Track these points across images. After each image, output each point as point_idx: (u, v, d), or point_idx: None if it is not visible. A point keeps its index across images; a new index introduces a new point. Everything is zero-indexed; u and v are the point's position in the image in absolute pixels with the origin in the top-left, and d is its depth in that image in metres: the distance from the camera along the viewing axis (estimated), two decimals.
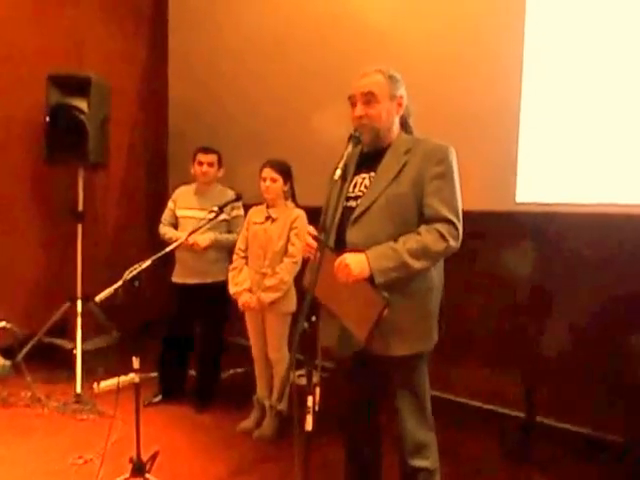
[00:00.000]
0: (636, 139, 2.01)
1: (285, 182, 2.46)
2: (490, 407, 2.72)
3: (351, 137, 1.52)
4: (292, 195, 2.52)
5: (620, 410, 2.24)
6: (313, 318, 1.29)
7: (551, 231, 2.33)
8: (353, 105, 1.57)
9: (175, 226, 2.82)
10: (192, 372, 2.93)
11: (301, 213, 2.45)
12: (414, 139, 1.60)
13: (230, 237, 2.71)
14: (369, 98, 1.54)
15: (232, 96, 3.38)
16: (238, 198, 2.58)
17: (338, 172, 1.43)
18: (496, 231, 2.49)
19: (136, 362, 1.95)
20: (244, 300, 2.43)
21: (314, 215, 1.95)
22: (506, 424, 2.53)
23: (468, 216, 1.59)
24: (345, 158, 1.46)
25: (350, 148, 1.50)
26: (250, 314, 2.50)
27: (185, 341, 2.87)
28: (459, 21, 2.42)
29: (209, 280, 2.72)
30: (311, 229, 1.55)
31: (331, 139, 2.65)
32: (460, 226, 1.50)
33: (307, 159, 2.77)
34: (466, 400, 2.79)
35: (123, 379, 2.22)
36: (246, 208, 2.67)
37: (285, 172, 2.47)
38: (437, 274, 1.58)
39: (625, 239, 2.21)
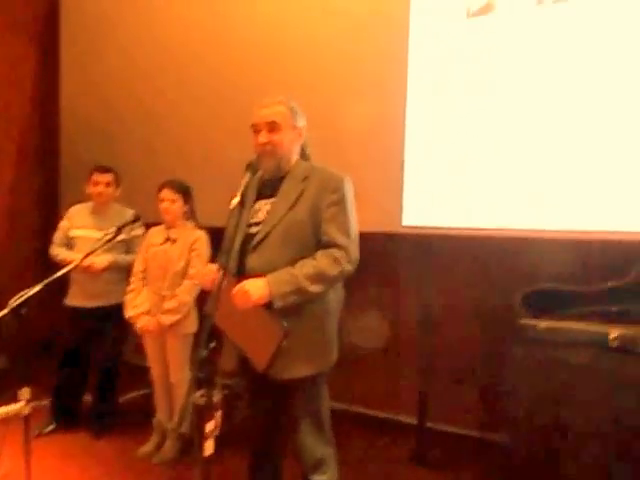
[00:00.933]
0: (515, 166, 2.22)
1: (185, 202, 2.47)
2: (386, 415, 2.90)
3: (249, 165, 1.61)
4: (192, 215, 2.53)
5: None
6: (212, 344, 1.34)
7: (435, 252, 2.53)
8: (256, 133, 1.65)
9: (69, 247, 2.71)
10: (88, 397, 2.81)
11: (202, 234, 2.47)
12: (311, 167, 1.71)
13: (129, 258, 2.65)
14: (273, 127, 1.64)
15: (130, 110, 3.33)
16: (136, 219, 2.54)
17: (235, 200, 1.51)
18: (382, 252, 2.67)
19: (26, 392, 1.85)
20: (143, 323, 2.40)
21: (216, 235, 1.99)
22: (401, 430, 2.72)
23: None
24: (243, 186, 1.54)
25: (248, 176, 1.58)
26: (149, 337, 2.46)
27: (80, 366, 2.75)
28: (344, 46, 2.57)
29: (107, 303, 2.64)
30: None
31: (233, 158, 2.74)
32: (356, 251, 1.62)
33: (209, 177, 2.81)
34: (363, 410, 2.95)
35: (11, 409, 2.10)
36: (146, 227, 2.64)
37: (184, 192, 2.48)
38: (335, 296, 1.69)
39: (498, 258, 2.47)
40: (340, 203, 1.62)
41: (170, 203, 2.44)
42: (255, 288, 1.51)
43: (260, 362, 1.52)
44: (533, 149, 2.18)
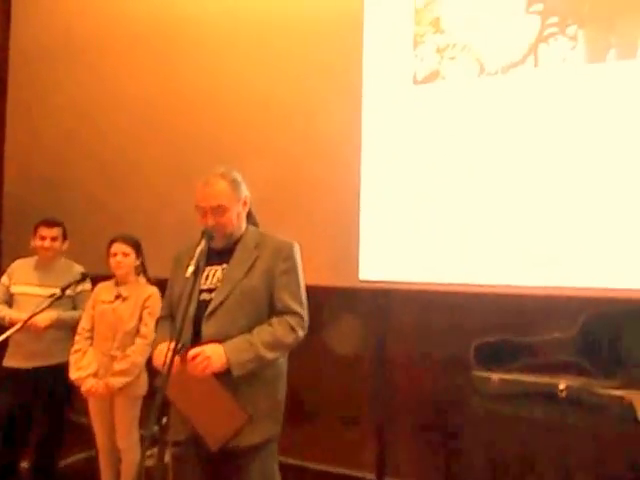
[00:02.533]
0: (464, 223, 2.31)
1: (137, 256, 2.42)
2: (345, 471, 2.84)
3: (204, 233, 1.60)
4: (144, 270, 2.48)
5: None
6: (164, 420, 1.29)
7: (391, 307, 2.57)
8: (203, 215, 1.64)
9: (9, 304, 2.56)
10: (25, 464, 2.62)
11: (154, 291, 2.40)
12: (261, 234, 1.74)
13: (75, 314, 2.52)
14: (219, 210, 1.63)
15: (79, 161, 3.26)
16: (84, 277, 2.47)
17: (190, 269, 1.49)
18: (339, 307, 2.69)
19: None
20: (89, 386, 2.26)
21: (165, 287, 1.96)
22: None
23: (313, 291, 1.74)
24: (198, 255, 1.54)
25: (203, 245, 1.57)
26: (95, 400, 2.34)
27: (18, 431, 2.55)
28: (301, 106, 2.64)
29: (49, 363, 2.49)
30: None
31: (183, 210, 2.72)
32: (306, 317, 1.66)
33: (159, 229, 2.78)
34: (323, 467, 2.88)
35: None
36: (94, 282, 2.55)
37: (136, 246, 2.42)
38: (284, 359, 1.71)
39: (454, 312, 2.48)
40: (292, 271, 1.67)
41: (123, 257, 2.37)
42: (216, 355, 1.50)
43: (214, 442, 1.48)
44: (480, 207, 2.28)
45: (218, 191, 1.64)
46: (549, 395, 2.10)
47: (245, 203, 1.71)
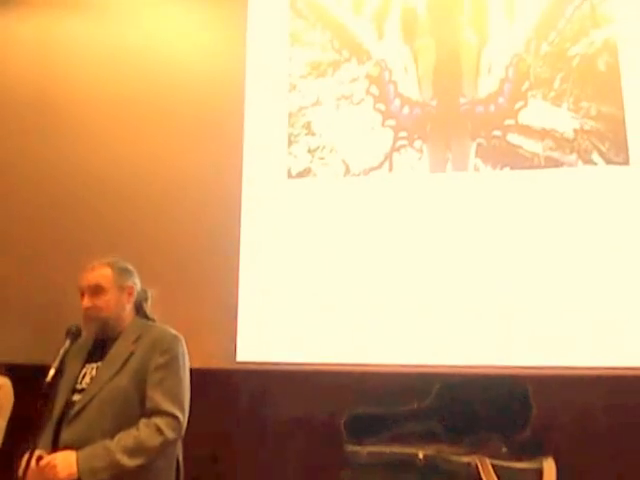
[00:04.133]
0: (337, 305, 2.48)
1: None
2: None
3: (68, 332, 1.57)
4: None
5: None
6: None
7: (269, 389, 2.62)
8: (82, 297, 1.65)
9: None
10: None
11: (5, 383, 2.15)
12: (146, 326, 1.70)
13: None
14: (96, 290, 1.63)
15: None
16: None
17: (51, 372, 1.46)
18: (216, 389, 2.70)
19: None
20: None
21: (17, 373, 1.84)
22: None
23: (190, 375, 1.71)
24: (60, 356, 1.51)
25: (67, 344, 1.55)
26: None
27: None
28: (183, 197, 2.74)
29: None
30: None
31: (34, 297, 2.61)
32: (183, 417, 1.57)
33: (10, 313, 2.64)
34: None
35: None
36: None
37: None
38: (165, 463, 1.60)
39: (330, 390, 2.59)
40: (169, 366, 1.59)
41: None
42: (64, 463, 1.42)
43: None
44: (345, 291, 2.50)
45: (99, 273, 1.65)
46: (410, 463, 2.29)
47: (130, 292, 1.69)
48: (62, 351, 1.51)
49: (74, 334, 1.57)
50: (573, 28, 2.57)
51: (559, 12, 2.59)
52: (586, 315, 2.32)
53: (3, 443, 2.04)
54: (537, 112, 2.52)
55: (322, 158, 2.64)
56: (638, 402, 2.28)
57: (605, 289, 2.33)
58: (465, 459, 2.25)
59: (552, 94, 2.52)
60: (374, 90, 2.65)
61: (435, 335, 2.41)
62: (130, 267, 1.74)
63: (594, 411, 2.33)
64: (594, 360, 2.28)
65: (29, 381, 1.74)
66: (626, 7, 2.55)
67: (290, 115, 2.69)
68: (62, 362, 1.50)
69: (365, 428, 2.46)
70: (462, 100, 2.58)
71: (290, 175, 2.65)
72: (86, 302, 1.62)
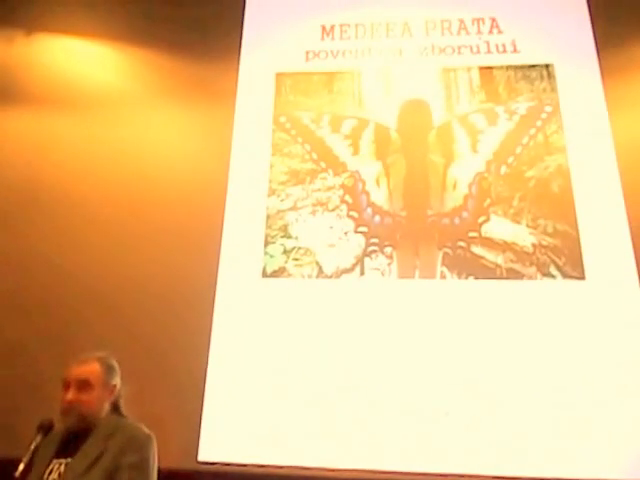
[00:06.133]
0: (312, 407, 2.47)
1: None
2: None
3: (40, 427, 1.57)
4: None
5: None
6: None
7: None
8: (66, 388, 1.65)
9: None
10: None
11: None
12: (118, 423, 1.71)
13: None
14: (84, 385, 1.65)
15: None
16: None
17: (21, 467, 1.46)
18: None
19: None
20: None
21: None
22: None
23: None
24: (31, 451, 1.50)
25: (38, 439, 1.54)
26: None
27: None
28: (158, 294, 2.78)
29: None
30: None
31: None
32: None
33: None
34: None
35: None
36: None
37: None
38: None
39: None
40: (140, 466, 1.62)
41: None
42: None
43: None
44: (323, 392, 2.50)
45: (89, 368, 1.68)
46: None
47: (112, 391, 1.73)
48: (33, 445, 1.51)
49: (46, 429, 1.57)
50: (529, 154, 2.84)
51: (516, 140, 2.88)
52: (545, 425, 2.36)
53: None
54: (498, 226, 2.71)
55: (297, 259, 2.76)
56: None
57: (565, 398, 2.39)
58: None
59: (512, 211, 2.73)
60: (348, 198, 2.84)
61: (404, 440, 2.40)
62: (116, 365, 1.78)
63: None
64: (558, 472, 2.28)
65: None
66: (575, 137, 2.85)
67: (268, 217, 2.84)
68: (32, 457, 1.48)
69: None
70: (429, 212, 2.77)
71: (265, 274, 2.75)
72: (71, 395, 1.62)
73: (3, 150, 3.17)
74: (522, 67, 3.03)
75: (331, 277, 2.71)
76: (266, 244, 2.79)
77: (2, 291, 2.83)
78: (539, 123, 2.89)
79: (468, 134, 2.91)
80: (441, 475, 2.35)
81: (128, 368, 2.51)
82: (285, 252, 2.78)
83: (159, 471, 1.77)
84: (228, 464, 2.47)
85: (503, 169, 2.81)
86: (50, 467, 1.61)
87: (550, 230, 2.69)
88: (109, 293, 2.77)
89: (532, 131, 2.88)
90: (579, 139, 2.85)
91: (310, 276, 2.72)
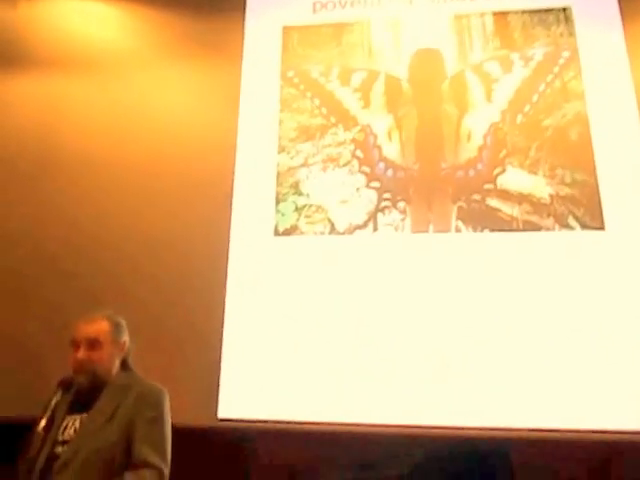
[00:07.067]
0: (324, 363, 2.47)
1: None
2: None
3: (61, 383, 1.58)
4: None
5: None
6: None
7: (252, 447, 2.54)
8: (75, 348, 1.66)
9: None
10: None
11: None
12: (131, 379, 1.73)
13: None
14: (93, 344, 1.66)
15: None
16: None
17: (42, 423, 1.46)
18: (197, 447, 2.64)
19: None
20: None
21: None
22: None
23: (172, 432, 1.70)
24: (52, 407, 1.51)
25: (58, 396, 1.55)
26: None
27: None
28: (171, 250, 2.77)
29: None
30: None
31: (36, 343, 2.59)
32: (167, 470, 1.60)
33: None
34: None
35: None
36: None
37: None
38: None
39: (307, 452, 2.53)
40: (156, 420, 1.63)
41: None
42: None
43: None
44: (336, 348, 2.50)
45: (98, 326, 1.69)
46: None
47: (122, 348, 1.73)
48: (53, 402, 1.52)
49: (67, 385, 1.58)
50: (546, 102, 2.74)
51: (533, 87, 2.78)
52: (566, 376, 2.33)
53: None
54: (514, 178, 2.64)
55: (309, 216, 2.73)
56: (623, 468, 2.25)
57: (583, 350, 2.35)
58: None
59: (528, 161, 2.65)
60: (359, 153, 2.78)
61: (419, 394, 2.39)
62: (123, 322, 1.78)
63: (579, 476, 2.30)
64: (579, 423, 2.27)
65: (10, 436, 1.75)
66: (594, 83, 2.74)
67: (279, 175, 2.80)
68: (52, 413, 1.50)
69: None
70: (443, 165, 2.71)
71: (277, 232, 2.72)
72: (81, 354, 1.63)
73: (16, 110, 3.14)
74: (538, 11, 2.91)
75: (344, 234, 2.67)
76: (277, 202, 2.75)
77: (25, 245, 2.85)
78: (556, 69, 2.79)
79: (482, 83, 2.81)
80: (458, 428, 2.35)
81: (144, 326, 2.55)
82: (297, 210, 2.74)
83: (180, 429, 1.80)
84: (248, 420, 2.51)
85: (519, 118, 2.73)
86: (65, 423, 1.62)
87: (568, 180, 2.61)
88: (119, 253, 2.76)
89: (549, 78, 2.77)
90: (598, 85, 2.74)
91: (322, 233, 2.68)
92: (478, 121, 2.75)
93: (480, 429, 2.34)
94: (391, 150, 2.78)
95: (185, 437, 2.46)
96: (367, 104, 2.86)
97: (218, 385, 2.55)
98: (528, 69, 2.81)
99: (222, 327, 2.62)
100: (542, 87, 2.77)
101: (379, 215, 2.68)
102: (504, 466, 2.29)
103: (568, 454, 2.29)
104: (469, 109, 2.78)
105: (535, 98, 2.75)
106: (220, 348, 2.60)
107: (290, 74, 2.96)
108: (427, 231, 2.63)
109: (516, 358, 2.38)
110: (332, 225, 2.70)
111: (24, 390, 2.46)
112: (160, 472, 1.57)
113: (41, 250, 2.83)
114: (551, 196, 2.60)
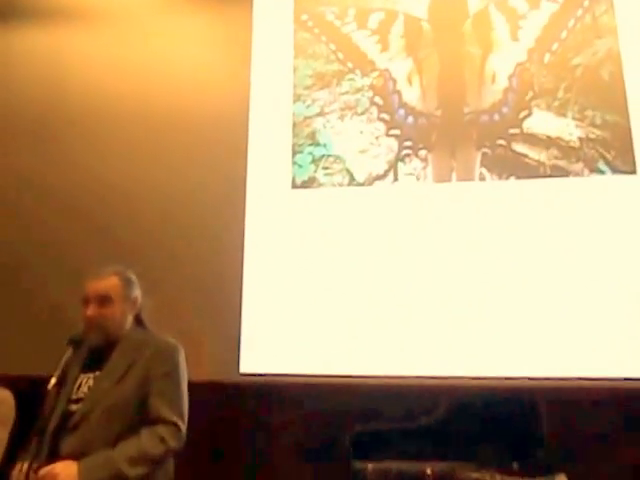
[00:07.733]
0: (344, 316, 2.44)
1: None
2: None
3: (71, 341, 1.54)
4: None
5: None
6: None
7: (275, 401, 2.54)
8: (86, 305, 1.62)
9: None
10: None
11: (7, 396, 2.04)
12: (144, 335, 1.70)
13: None
14: (104, 300, 1.62)
15: None
16: None
17: (53, 381, 1.43)
18: (220, 402, 2.64)
19: None
20: None
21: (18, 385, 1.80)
22: None
23: (194, 388, 1.69)
24: (63, 364, 1.47)
25: (69, 353, 1.51)
26: None
27: None
28: (186, 201, 2.71)
29: None
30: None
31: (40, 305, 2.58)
32: (184, 426, 1.58)
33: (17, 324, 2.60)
34: None
35: None
36: None
37: None
38: (163, 473, 1.59)
39: (332, 404, 2.53)
40: (171, 375, 1.60)
41: None
42: (66, 474, 1.39)
43: None
44: (351, 302, 2.46)
45: (108, 282, 1.64)
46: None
47: (134, 304, 1.69)
48: (64, 359, 1.48)
49: (77, 343, 1.55)
50: (576, 39, 2.58)
51: (561, 23, 2.61)
52: (597, 325, 2.27)
53: (3, 457, 2.00)
54: (542, 121, 2.51)
55: (326, 168, 2.64)
56: None
57: (614, 299, 2.28)
58: (475, 475, 2.18)
59: (556, 103, 2.52)
60: (378, 100, 2.66)
61: (442, 346, 2.35)
62: (134, 277, 1.74)
63: (610, 425, 2.26)
64: (609, 372, 2.22)
65: (29, 393, 1.73)
66: (628, 17, 2.57)
67: (294, 125, 2.70)
68: (63, 371, 1.47)
69: (372, 444, 2.39)
70: (466, 110, 2.58)
71: (294, 185, 2.64)
72: (92, 311, 1.60)
73: (26, 64, 3.07)
74: None
75: (363, 184, 2.58)
76: (294, 154, 2.66)
77: (24, 210, 2.83)
78: (586, 3, 2.60)
79: (507, 20, 2.64)
80: (475, 378, 2.32)
81: (164, 283, 2.53)
82: (314, 161, 2.65)
83: (203, 384, 1.78)
84: (270, 374, 2.49)
85: (547, 57, 2.57)
86: (78, 381, 1.61)
87: (598, 122, 2.48)
88: (136, 207, 2.72)
89: (579, 12, 2.60)
90: (632, 19, 2.56)
91: (341, 185, 2.60)
92: (503, 61, 2.60)
93: (506, 379, 2.30)
94: (411, 95, 2.65)
95: (208, 392, 2.49)
96: (385, 47, 2.71)
97: (239, 341, 2.54)
98: (556, 4, 2.63)
99: (241, 282, 2.58)
100: (571, 23, 2.60)
101: (399, 164, 2.58)
102: (532, 414, 2.26)
103: (600, 402, 2.26)
104: (493, 49, 2.63)
105: (564, 35, 2.59)
106: (240, 303, 2.57)
107: (304, 17, 2.82)
108: (450, 180, 2.53)
109: (543, 306, 2.31)
110: (351, 176, 2.60)
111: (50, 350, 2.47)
112: (176, 427, 1.54)
113: (58, 207, 2.80)
114: (580, 139, 2.47)
